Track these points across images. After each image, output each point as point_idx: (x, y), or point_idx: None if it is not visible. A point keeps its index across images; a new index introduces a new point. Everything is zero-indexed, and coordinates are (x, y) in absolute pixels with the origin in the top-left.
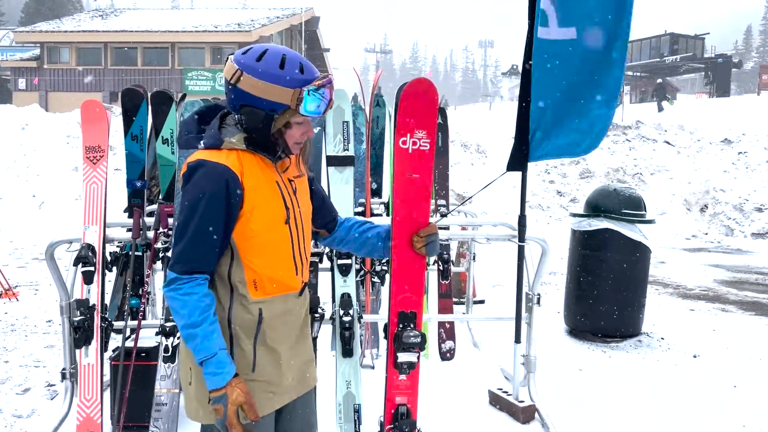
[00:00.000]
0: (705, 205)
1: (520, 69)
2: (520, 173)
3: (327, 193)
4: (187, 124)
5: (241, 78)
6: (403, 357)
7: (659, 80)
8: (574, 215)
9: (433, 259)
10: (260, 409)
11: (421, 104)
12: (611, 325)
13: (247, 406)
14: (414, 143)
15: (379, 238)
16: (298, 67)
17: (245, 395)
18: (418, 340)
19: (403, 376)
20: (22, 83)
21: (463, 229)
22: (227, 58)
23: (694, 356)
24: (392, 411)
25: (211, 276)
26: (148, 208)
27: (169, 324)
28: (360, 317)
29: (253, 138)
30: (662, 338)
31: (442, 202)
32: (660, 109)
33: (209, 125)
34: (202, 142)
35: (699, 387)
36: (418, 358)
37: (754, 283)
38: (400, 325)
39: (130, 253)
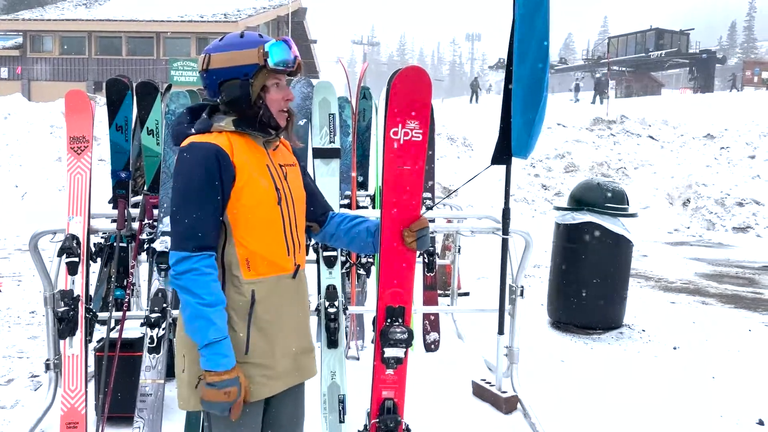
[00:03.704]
0: (687, 200)
1: (506, 62)
2: (505, 167)
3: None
4: (179, 117)
5: (210, 60)
6: (390, 352)
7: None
8: (558, 209)
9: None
10: (254, 394)
11: (413, 93)
12: (593, 318)
13: (245, 391)
14: (406, 134)
15: (368, 233)
16: (257, 35)
17: (247, 389)
18: (405, 336)
19: (390, 371)
20: (4, 72)
21: (449, 221)
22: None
23: (674, 348)
24: (379, 405)
25: (215, 254)
26: (133, 199)
27: (153, 315)
28: (345, 309)
29: (241, 118)
30: (643, 330)
31: (428, 194)
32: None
33: (200, 117)
34: (192, 129)
35: (678, 378)
36: (406, 353)
37: (734, 276)
38: (388, 321)
39: (115, 244)
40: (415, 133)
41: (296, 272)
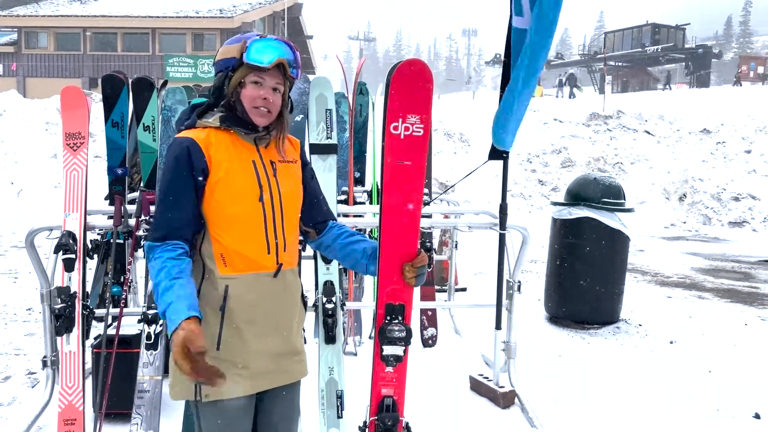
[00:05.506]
0: (683, 194)
1: (503, 58)
2: (501, 162)
3: None
4: (181, 114)
5: (217, 53)
6: (389, 350)
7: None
8: (555, 204)
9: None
10: (225, 391)
11: (414, 86)
12: (590, 312)
13: (191, 340)
14: (406, 129)
15: (364, 255)
16: (256, 35)
17: (192, 333)
18: (403, 335)
19: (389, 369)
20: None
21: (446, 217)
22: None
23: (671, 342)
24: (377, 402)
25: (187, 246)
26: (130, 196)
27: (151, 312)
28: (343, 304)
29: (227, 114)
30: (640, 325)
31: (425, 190)
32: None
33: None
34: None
35: (675, 372)
36: (406, 351)
37: (730, 270)
38: (387, 318)
39: (112, 240)
40: (416, 127)
41: (278, 271)
